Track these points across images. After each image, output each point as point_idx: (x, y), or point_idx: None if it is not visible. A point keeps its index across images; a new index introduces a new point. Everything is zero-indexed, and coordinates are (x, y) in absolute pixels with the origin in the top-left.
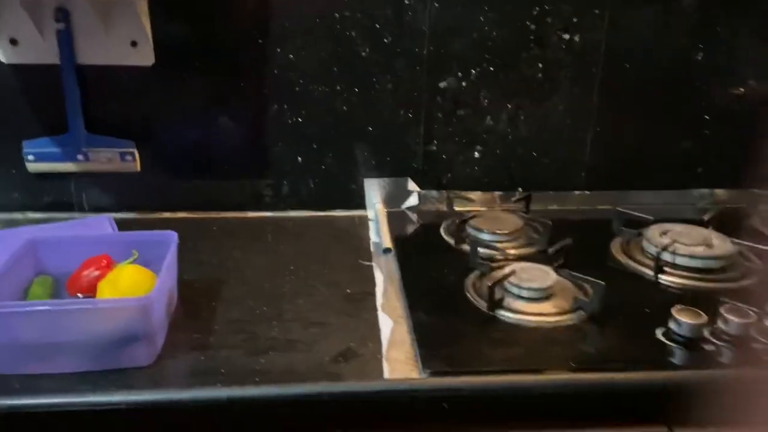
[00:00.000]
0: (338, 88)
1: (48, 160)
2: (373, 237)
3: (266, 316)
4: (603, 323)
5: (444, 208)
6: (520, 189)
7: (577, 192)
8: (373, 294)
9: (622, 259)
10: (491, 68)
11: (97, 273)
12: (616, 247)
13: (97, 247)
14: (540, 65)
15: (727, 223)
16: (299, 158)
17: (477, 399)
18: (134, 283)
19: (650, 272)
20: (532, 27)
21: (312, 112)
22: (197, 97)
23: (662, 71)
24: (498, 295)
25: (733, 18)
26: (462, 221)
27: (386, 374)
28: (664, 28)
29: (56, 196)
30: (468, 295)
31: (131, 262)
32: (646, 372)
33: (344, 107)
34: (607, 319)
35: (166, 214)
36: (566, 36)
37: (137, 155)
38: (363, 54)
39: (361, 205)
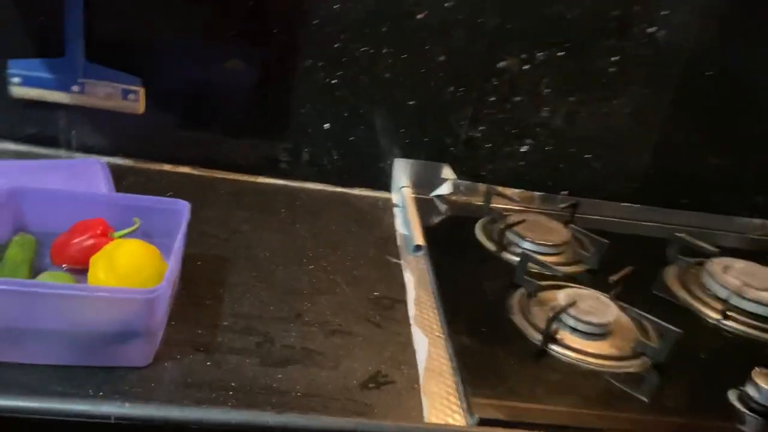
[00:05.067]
0: (384, 51)
1: (37, 86)
2: (399, 227)
3: (281, 315)
4: (668, 375)
5: (479, 202)
6: (564, 192)
7: (625, 204)
8: (403, 301)
9: (679, 292)
10: (559, 53)
11: (90, 242)
12: (670, 278)
13: (91, 208)
14: (615, 58)
15: None
16: (326, 125)
17: None
18: (135, 263)
19: (713, 315)
20: (615, 13)
21: (349, 74)
22: (219, 35)
23: (746, 90)
24: (552, 326)
25: None
26: (506, 226)
27: (425, 412)
28: (761, 43)
29: (41, 128)
30: (514, 319)
31: (131, 233)
32: None
33: (386, 74)
34: (673, 371)
35: (167, 167)
36: (651, 29)
37: (142, 94)
38: (419, 16)
39: (386, 186)
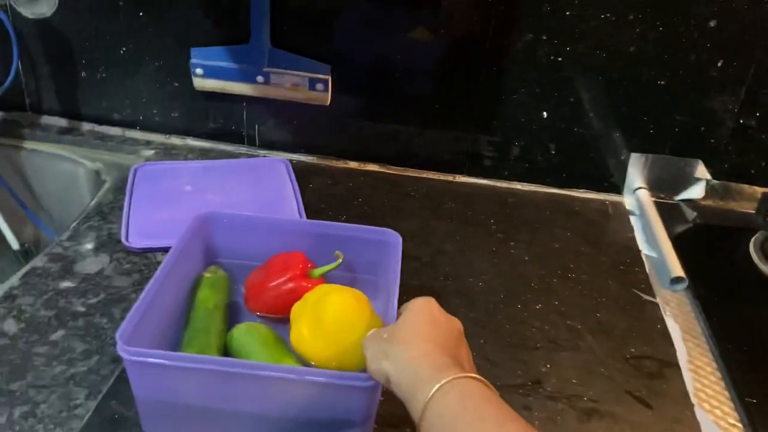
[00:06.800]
0: (630, 17)
1: (220, 77)
2: (642, 245)
3: (516, 382)
4: None
5: (745, 209)
6: None
7: None
8: (673, 365)
9: None
10: None
11: (290, 286)
12: None
13: (287, 236)
14: None
15: None
16: (544, 113)
17: None
18: (345, 318)
19: None
20: None
21: (581, 49)
22: (415, 12)
23: None
24: None
25: None
26: None
27: None
28: None
29: (224, 122)
30: None
31: (332, 270)
32: None
33: (631, 47)
34: None
35: (353, 164)
36: None
37: (330, 84)
38: None
39: (615, 187)
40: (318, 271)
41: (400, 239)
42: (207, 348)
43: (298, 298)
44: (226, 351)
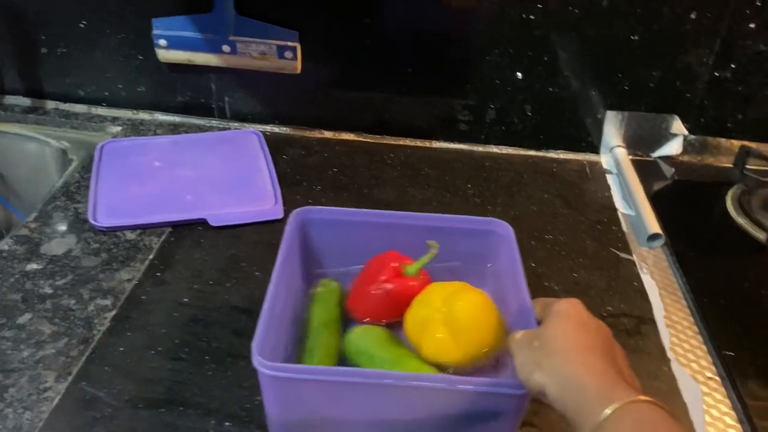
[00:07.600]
0: None
1: (184, 48)
2: (619, 204)
3: None
4: None
5: (723, 164)
6: None
7: None
8: (650, 320)
9: None
10: None
11: (388, 287)
12: None
13: (382, 230)
14: None
15: None
16: (518, 74)
17: None
18: (482, 319)
19: None
20: None
21: (554, 6)
22: None
23: None
24: None
25: None
26: None
27: None
28: None
29: (192, 95)
30: None
31: (426, 262)
32: None
33: (603, 2)
34: None
35: (327, 134)
36: None
37: (299, 51)
38: None
39: (593, 147)
40: (413, 267)
41: (511, 230)
42: None
43: (399, 296)
44: (342, 357)
